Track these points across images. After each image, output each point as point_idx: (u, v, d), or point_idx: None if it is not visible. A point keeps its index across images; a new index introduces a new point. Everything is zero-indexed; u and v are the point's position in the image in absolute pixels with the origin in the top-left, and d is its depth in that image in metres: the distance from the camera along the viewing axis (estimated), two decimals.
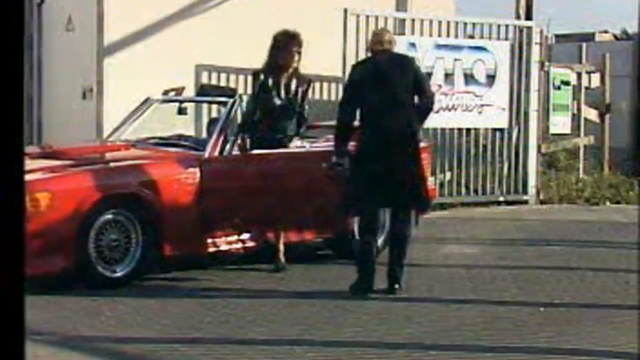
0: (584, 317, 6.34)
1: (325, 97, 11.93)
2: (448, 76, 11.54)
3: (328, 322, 6.01)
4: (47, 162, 7.25)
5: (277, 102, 7.58)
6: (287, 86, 7.64)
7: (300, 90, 7.68)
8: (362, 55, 11.01)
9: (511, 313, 6.39)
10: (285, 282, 7.25)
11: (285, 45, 7.66)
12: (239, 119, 7.78)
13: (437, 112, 11.43)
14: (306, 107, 7.82)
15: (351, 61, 10.87)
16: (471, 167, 11.99)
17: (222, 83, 10.87)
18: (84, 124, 10.43)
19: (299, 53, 7.68)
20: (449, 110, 11.56)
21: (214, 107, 9.84)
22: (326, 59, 11.25)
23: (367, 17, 11.04)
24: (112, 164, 7.65)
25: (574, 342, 5.63)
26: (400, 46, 11.26)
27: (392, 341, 5.58)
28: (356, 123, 6.98)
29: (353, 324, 5.99)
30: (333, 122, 9.84)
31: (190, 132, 9.45)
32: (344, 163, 6.87)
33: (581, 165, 14.23)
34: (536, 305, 6.56)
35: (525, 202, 12.30)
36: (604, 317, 6.28)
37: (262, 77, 7.65)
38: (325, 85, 11.83)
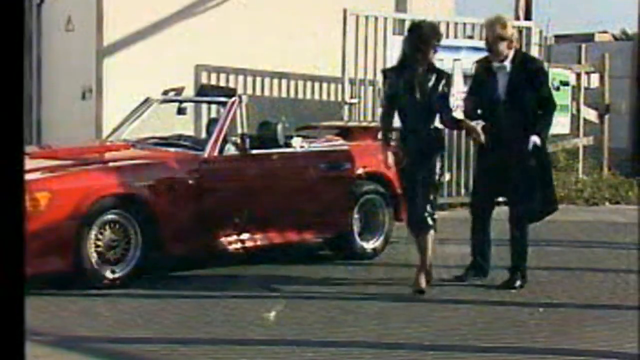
0: (583, 317, 6.34)
1: (324, 97, 11.93)
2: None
3: (327, 323, 6.00)
4: (47, 162, 7.24)
5: (417, 97, 6.89)
6: (425, 81, 6.90)
7: (440, 84, 6.91)
8: (361, 55, 11.03)
9: (510, 313, 6.39)
10: (285, 283, 7.25)
11: (428, 39, 6.95)
12: (238, 118, 7.78)
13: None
14: (452, 100, 7.48)
15: (350, 61, 10.89)
16: (471, 167, 11.99)
17: (222, 83, 10.87)
18: (84, 124, 10.44)
19: (436, 47, 7.04)
20: None
21: (214, 107, 9.84)
22: (326, 59, 11.26)
23: (367, 17, 11.04)
24: (111, 164, 7.65)
25: (573, 342, 5.62)
26: (399, 47, 11.28)
27: (390, 341, 5.58)
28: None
29: (352, 324, 5.98)
30: (333, 123, 9.88)
31: (190, 132, 9.46)
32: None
33: (580, 166, 14.24)
34: (535, 306, 6.55)
35: None
36: (603, 318, 6.28)
37: (393, 74, 7.08)
38: (324, 85, 11.84)
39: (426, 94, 6.87)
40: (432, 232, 6.93)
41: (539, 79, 7.17)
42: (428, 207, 6.88)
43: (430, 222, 6.91)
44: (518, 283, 7.13)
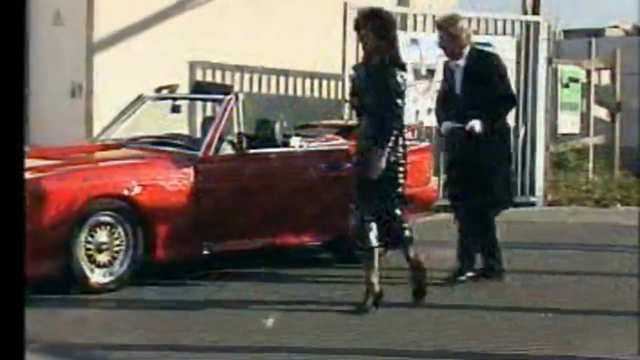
0: (592, 324, 6.35)
1: (324, 95, 11.95)
2: None
3: (326, 329, 6.02)
4: (35, 162, 7.26)
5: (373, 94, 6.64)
6: (384, 76, 6.61)
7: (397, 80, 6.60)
8: (362, 53, 11.02)
9: (517, 319, 6.40)
10: (283, 287, 7.26)
11: (391, 26, 6.73)
12: (235, 117, 7.80)
13: None
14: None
15: (351, 57, 10.90)
16: None
17: (218, 80, 10.89)
18: (73, 123, 10.45)
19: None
20: None
21: (209, 105, 9.86)
22: (325, 55, 11.27)
23: None
24: (102, 164, 7.67)
25: (581, 349, 5.64)
26: (402, 42, 11.30)
27: (391, 347, 5.60)
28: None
29: (352, 329, 6.00)
30: (332, 121, 9.89)
31: (184, 131, 9.47)
32: None
33: (591, 166, 14.24)
34: (542, 311, 6.57)
35: (532, 204, 12.31)
36: (613, 324, 6.29)
37: (359, 70, 6.91)
38: (324, 82, 11.85)
39: (384, 91, 6.45)
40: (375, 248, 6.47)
41: (493, 75, 7.30)
42: (396, 219, 6.56)
43: (408, 234, 6.62)
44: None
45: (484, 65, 7.33)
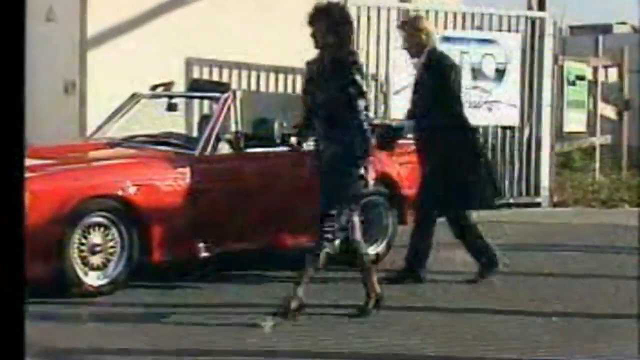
0: (601, 328, 6.34)
1: None
2: None
3: (327, 333, 6.00)
4: (27, 161, 7.23)
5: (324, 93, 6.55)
6: (335, 75, 6.49)
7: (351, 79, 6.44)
8: (362, 51, 11.02)
9: (523, 323, 6.39)
10: (282, 290, 7.24)
11: (344, 20, 6.60)
12: (232, 115, 7.78)
13: None
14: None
15: None
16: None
17: (215, 77, 10.88)
18: (66, 121, 10.44)
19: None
20: None
21: (206, 103, 9.85)
22: None
23: (369, 8, 11.05)
24: (95, 164, 7.65)
25: (590, 355, 5.62)
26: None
27: (394, 352, 5.58)
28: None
29: (354, 334, 5.98)
30: None
31: (181, 129, 9.46)
32: None
33: (597, 166, 14.24)
34: (549, 316, 6.56)
35: (538, 204, 12.31)
36: (622, 329, 6.26)
37: (312, 67, 6.77)
38: None
39: (335, 90, 6.23)
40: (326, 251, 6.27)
41: (441, 79, 7.50)
42: (332, 225, 6.22)
43: (326, 246, 6.27)
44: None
45: (437, 68, 7.53)
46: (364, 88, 6.31)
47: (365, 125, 6.26)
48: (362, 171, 6.28)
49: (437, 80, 7.48)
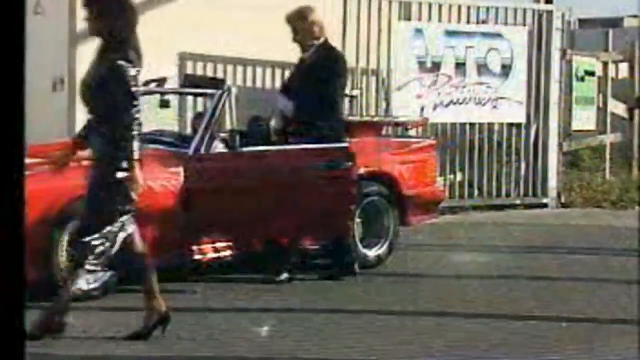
0: (610, 334, 6.35)
1: None
2: (459, 66, 11.55)
3: (325, 339, 6.02)
4: None
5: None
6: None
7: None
8: (363, 42, 11.05)
9: (528, 328, 6.40)
10: (278, 294, 7.26)
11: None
12: (227, 112, 7.79)
13: (447, 105, 11.48)
14: None
15: (351, 48, 10.91)
16: (484, 166, 12.01)
17: (209, 73, 10.88)
18: (54, 119, 10.43)
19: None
20: (460, 103, 11.57)
21: (200, 100, 9.85)
22: None
23: (370, 1, 11.06)
24: (85, 162, 7.66)
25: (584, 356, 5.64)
26: (406, 33, 11.34)
27: (396, 357, 5.60)
28: None
29: (353, 339, 6.00)
30: None
31: (173, 127, 9.47)
32: None
33: (607, 165, 14.24)
34: (557, 321, 6.57)
35: (545, 205, 12.31)
36: (632, 334, 6.28)
37: None
38: None
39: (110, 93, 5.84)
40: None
41: (328, 76, 7.65)
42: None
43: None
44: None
45: (325, 64, 7.67)
46: (130, 86, 5.86)
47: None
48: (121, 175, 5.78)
49: (324, 77, 7.60)
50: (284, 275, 7.54)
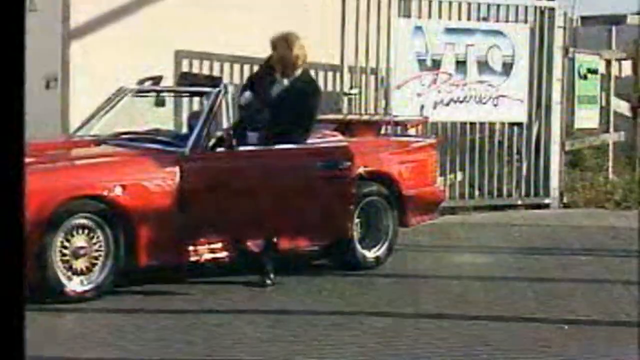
0: (613, 336, 6.36)
1: (321, 87, 11.94)
2: (459, 64, 11.56)
3: (323, 342, 6.03)
4: None
5: None
6: None
7: None
8: (362, 42, 11.06)
9: (530, 331, 6.41)
10: (275, 296, 7.27)
11: None
12: (224, 111, 7.79)
13: (448, 104, 11.49)
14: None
15: (350, 45, 10.92)
16: (485, 166, 12.02)
17: (206, 71, 10.89)
18: (47, 117, 10.44)
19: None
20: (461, 102, 11.58)
21: (196, 98, 9.86)
22: (322, 44, 11.26)
23: None
24: (79, 162, 7.67)
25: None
26: (405, 30, 11.34)
27: None
28: None
29: (351, 343, 6.00)
30: (330, 116, 9.90)
31: (169, 126, 9.47)
32: None
33: (610, 165, 14.25)
34: (559, 323, 6.58)
35: (547, 206, 12.33)
36: (635, 337, 6.29)
37: None
38: (321, 74, 11.85)
39: None
40: None
41: (304, 105, 7.79)
42: None
43: None
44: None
45: (302, 92, 7.81)
46: None
47: None
48: None
49: (300, 109, 7.71)
50: (267, 281, 7.53)
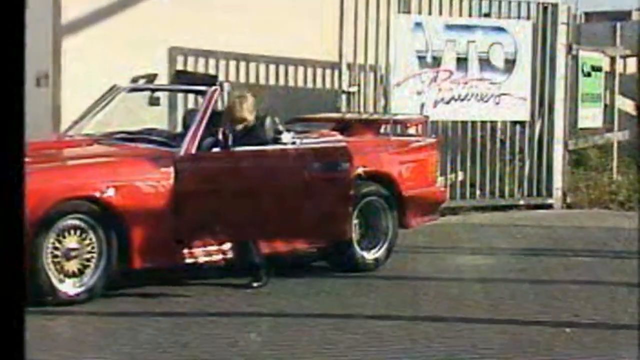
0: (616, 339, 6.37)
1: (319, 85, 11.96)
2: (460, 61, 11.58)
3: (321, 344, 6.04)
4: None
5: None
6: None
7: None
8: (361, 36, 11.06)
9: (532, 334, 6.42)
10: (272, 298, 7.28)
11: None
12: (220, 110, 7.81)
13: (448, 102, 11.51)
14: None
15: (349, 45, 10.94)
16: (487, 165, 12.04)
17: (201, 69, 10.90)
18: (38, 116, 10.43)
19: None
20: (462, 100, 11.60)
21: (191, 97, 9.87)
22: (321, 42, 11.27)
23: None
24: (71, 162, 7.67)
25: None
26: (405, 27, 11.35)
27: None
28: None
29: (350, 346, 6.02)
30: (328, 115, 9.92)
31: (164, 125, 9.48)
32: None
33: (615, 164, 14.27)
34: (561, 325, 6.59)
35: (550, 206, 12.35)
36: (627, 338, 6.30)
37: None
38: (319, 71, 11.87)
39: None
40: None
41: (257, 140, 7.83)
42: None
43: None
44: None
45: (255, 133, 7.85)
46: None
47: None
48: None
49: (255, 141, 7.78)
50: (255, 283, 7.56)
